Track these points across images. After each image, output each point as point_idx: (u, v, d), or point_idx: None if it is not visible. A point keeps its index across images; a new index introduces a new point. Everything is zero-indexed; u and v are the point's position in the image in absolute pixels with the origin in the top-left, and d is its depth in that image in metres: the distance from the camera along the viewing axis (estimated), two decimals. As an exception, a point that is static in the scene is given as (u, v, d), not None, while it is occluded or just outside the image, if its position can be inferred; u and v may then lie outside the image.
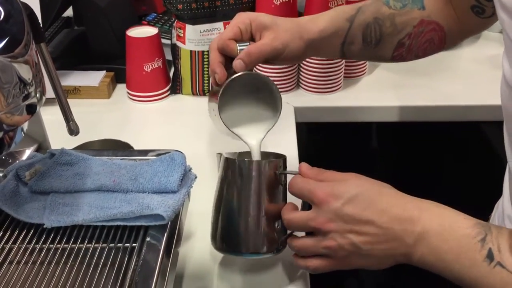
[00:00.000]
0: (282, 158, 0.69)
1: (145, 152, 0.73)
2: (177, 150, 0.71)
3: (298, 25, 0.77)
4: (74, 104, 1.10)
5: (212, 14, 1.07)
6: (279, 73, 1.12)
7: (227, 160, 0.68)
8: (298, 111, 1.11)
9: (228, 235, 0.69)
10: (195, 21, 1.07)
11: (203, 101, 1.12)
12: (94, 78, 1.13)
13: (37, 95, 0.49)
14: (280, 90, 1.14)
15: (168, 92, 1.14)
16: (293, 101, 1.12)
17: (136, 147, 0.90)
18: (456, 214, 0.58)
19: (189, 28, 1.07)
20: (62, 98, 0.69)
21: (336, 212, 0.59)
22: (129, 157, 0.71)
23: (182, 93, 1.15)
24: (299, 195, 0.64)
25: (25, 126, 0.51)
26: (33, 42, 0.49)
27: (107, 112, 1.10)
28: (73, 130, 0.70)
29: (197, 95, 1.15)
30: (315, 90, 1.14)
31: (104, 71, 1.15)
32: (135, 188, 0.64)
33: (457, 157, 1.23)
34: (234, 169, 0.67)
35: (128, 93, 1.13)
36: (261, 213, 0.67)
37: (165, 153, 0.70)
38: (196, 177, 0.67)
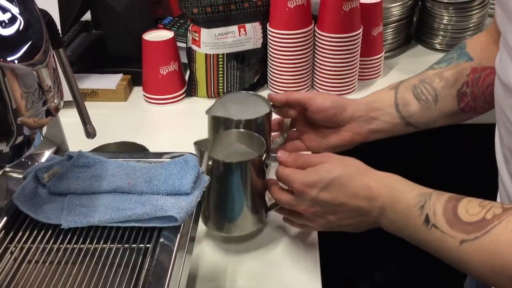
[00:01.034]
0: (263, 149, 0.76)
1: (159, 155, 0.74)
2: (191, 153, 0.73)
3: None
4: (92, 106, 1.12)
5: (227, 18, 1.09)
6: (294, 75, 1.13)
7: (214, 160, 0.74)
8: (312, 113, 1.11)
9: (221, 222, 0.77)
10: (210, 24, 1.08)
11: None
12: (111, 81, 1.15)
13: (55, 101, 0.51)
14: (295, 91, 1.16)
15: (184, 95, 1.16)
16: (306, 103, 1.13)
17: (152, 149, 0.91)
18: (405, 186, 0.67)
19: (204, 31, 1.09)
20: (79, 102, 0.71)
21: (313, 200, 0.70)
22: (145, 160, 0.73)
23: (197, 96, 1.17)
24: (283, 183, 0.75)
25: (44, 129, 0.53)
26: (51, 48, 0.51)
27: (124, 115, 1.12)
28: (90, 133, 0.72)
29: (212, 97, 1.16)
30: (329, 91, 1.15)
31: (121, 74, 1.17)
32: (149, 190, 0.66)
33: (469, 159, 1.23)
34: (223, 170, 0.74)
35: (145, 95, 1.15)
36: (250, 198, 0.76)
37: (179, 156, 0.71)
38: (209, 180, 0.69)
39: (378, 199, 0.67)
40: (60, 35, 0.69)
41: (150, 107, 1.14)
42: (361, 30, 1.11)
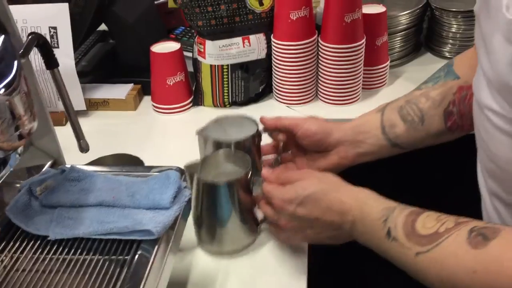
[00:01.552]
0: (249, 167, 0.79)
1: (148, 168, 0.78)
2: (178, 167, 0.76)
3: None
4: (103, 116, 1.18)
5: (231, 30, 1.11)
6: (298, 84, 1.15)
7: (202, 183, 0.77)
8: (315, 123, 1.13)
9: (215, 240, 0.81)
10: (214, 36, 1.11)
11: (224, 112, 1.17)
12: (121, 91, 1.20)
13: (27, 127, 0.55)
14: (299, 101, 1.19)
15: (191, 104, 1.20)
16: (311, 112, 1.13)
17: (158, 158, 0.94)
18: (373, 200, 0.70)
19: (208, 43, 1.12)
20: (73, 119, 0.75)
21: (291, 215, 0.74)
22: (133, 173, 0.77)
23: (203, 105, 1.20)
24: (266, 199, 0.79)
25: (20, 149, 0.57)
26: (23, 75, 0.55)
27: (132, 124, 1.16)
28: (83, 148, 0.76)
29: (218, 106, 1.19)
30: (333, 101, 1.17)
31: (132, 84, 1.22)
32: (132, 204, 0.70)
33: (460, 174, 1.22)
34: (213, 190, 0.77)
35: (153, 105, 1.19)
36: (240, 214, 0.80)
37: (166, 170, 0.75)
38: (190, 194, 0.72)
39: (350, 213, 0.70)
40: (55, 56, 0.74)
41: (158, 116, 1.18)
42: (363, 40, 1.12)
